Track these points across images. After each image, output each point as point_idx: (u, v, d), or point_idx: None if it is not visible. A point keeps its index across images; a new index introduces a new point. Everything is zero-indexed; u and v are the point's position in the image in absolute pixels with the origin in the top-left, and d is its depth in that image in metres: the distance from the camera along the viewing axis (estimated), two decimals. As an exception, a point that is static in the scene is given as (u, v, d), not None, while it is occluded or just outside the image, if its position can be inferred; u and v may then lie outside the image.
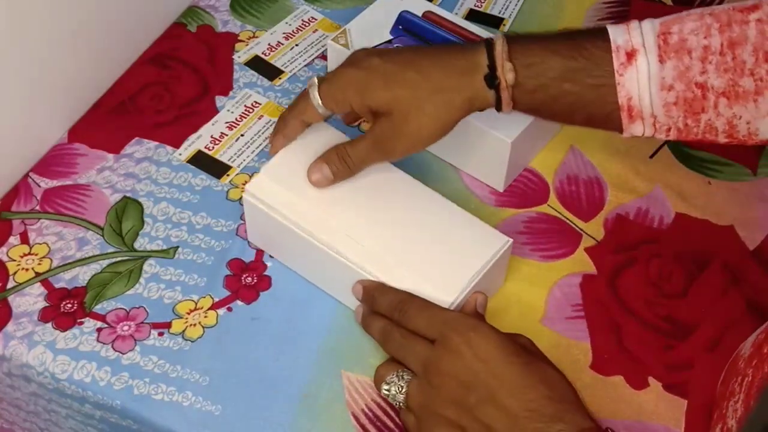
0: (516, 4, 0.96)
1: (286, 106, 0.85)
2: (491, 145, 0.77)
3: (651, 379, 0.71)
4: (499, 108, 0.68)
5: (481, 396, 0.60)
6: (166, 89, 0.88)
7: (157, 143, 0.84)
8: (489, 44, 0.67)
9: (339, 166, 0.71)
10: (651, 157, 0.84)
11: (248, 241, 0.77)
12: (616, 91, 0.65)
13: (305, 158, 0.72)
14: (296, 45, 0.92)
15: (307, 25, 0.94)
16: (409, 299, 0.67)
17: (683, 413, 0.69)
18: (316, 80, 0.71)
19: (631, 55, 0.64)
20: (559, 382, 0.61)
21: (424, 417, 0.63)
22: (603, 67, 0.65)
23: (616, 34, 0.65)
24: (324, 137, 0.74)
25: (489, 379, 0.61)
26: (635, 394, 0.70)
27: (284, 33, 0.93)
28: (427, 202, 0.73)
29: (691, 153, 0.84)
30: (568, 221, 0.80)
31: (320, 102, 0.70)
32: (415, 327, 0.65)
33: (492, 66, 0.66)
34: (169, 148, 0.83)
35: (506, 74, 0.66)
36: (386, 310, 0.67)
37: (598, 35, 0.66)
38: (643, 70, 0.64)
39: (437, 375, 0.62)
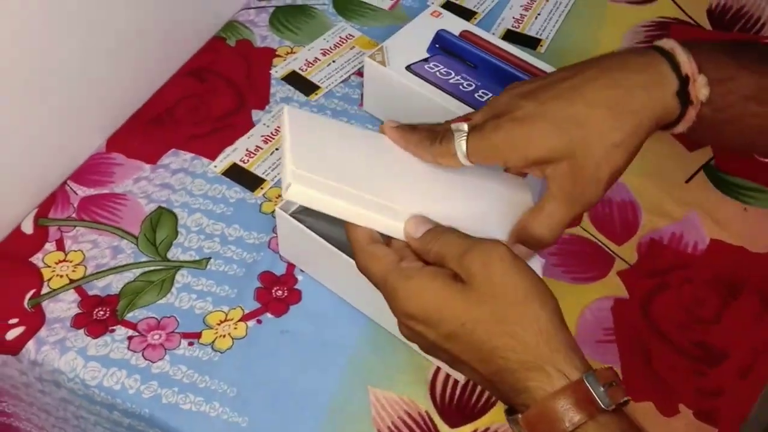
0: (554, 26, 0.96)
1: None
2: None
3: (681, 406, 0.70)
4: (673, 125, 0.60)
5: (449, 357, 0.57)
6: (204, 102, 0.88)
7: (193, 155, 0.85)
8: (665, 53, 0.59)
9: (536, 243, 0.60)
10: (687, 181, 0.83)
11: (279, 255, 0.78)
12: None
13: (324, 143, 0.64)
14: (333, 61, 0.92)
15: (344, 41, 0.94)
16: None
17: (714, 442, 0.68)
18: (466, 128, 0.60)
19: None
20: (523, 336, 0.53)
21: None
22: None
23: None
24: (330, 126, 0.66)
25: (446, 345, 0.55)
26: (665, 421, 0.69)
27: (322, 49, 0.94)
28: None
29: (726, 179, 0.84)
30: (601, 244, 0.79)
31: (465, 153, 0.60)
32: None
33: (683, 79, 0.58)
34: (205, 160, 0.84)
35: (700, 90, 0.58)
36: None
37: None
38: None
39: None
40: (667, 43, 0.59)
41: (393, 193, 0.61)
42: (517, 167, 0.60)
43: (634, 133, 0.58)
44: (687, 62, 0.58)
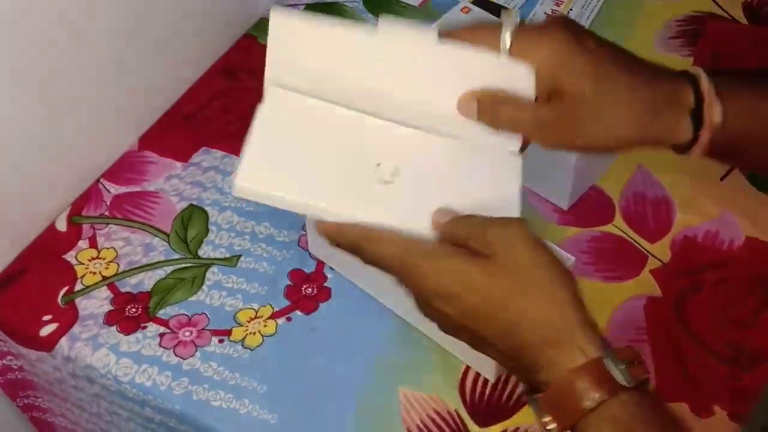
0: (586, 21, 0.95)
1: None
2: (555, 162, 0.76)
3: (716, 408, 0.69)
4: (688, 149, 0.62)
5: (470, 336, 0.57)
6: (235, 100, 0.89)
7: (224, 153, 0.85)
8: (693, 79, 0.60)
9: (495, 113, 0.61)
10: (722, 179, 0.82)
11: (309, 252, 0.78)
12: None
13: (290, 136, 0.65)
14: (364, 59, 0.92)
15: (375, 39, 0.94)
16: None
17: (749, 443, 0.67)
18: (516, 18, 0.60)
19: None
20: (538, 318, 0.53)
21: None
22: None
23: None
24: (308, 116, 0.64)
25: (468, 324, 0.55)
26: (700, 423, 0.68)
27: (352, 47, 0.93)
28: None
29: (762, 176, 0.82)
30: (633, 242, 0.78)
31: (508, 45, 0.59)
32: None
33: (699, 102, 0.60)
34: (236, 158, 0.85)
35: (713, 114, 0.60)
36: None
37: None
38: None
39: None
40: (697, 71, 0.61)
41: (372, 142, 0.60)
42: (541, 77, 0.59)
43: (632, 145, 0.61)
44: (706, 88, 0.59)
